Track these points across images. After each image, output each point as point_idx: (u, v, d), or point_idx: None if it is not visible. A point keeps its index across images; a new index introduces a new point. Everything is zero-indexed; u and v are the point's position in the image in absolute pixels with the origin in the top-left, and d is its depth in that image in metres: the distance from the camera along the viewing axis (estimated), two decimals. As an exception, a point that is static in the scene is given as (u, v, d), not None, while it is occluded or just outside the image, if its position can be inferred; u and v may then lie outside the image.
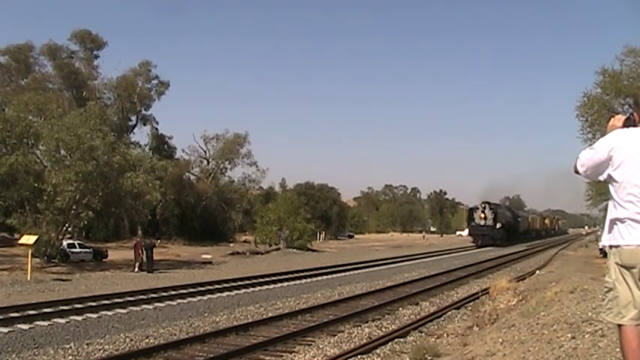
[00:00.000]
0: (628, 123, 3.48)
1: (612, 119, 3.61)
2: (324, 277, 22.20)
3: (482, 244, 50.12)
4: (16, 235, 29.96)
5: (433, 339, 10.51)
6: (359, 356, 9.07)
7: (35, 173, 27.73)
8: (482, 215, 52.84)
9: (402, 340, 10.36)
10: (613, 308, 3.36)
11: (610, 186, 3.41)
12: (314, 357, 9.12)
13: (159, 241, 31.59)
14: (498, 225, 51.93)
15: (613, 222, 3.40)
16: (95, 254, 29.78)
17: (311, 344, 9.99)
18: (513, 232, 57.70)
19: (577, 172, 3.57)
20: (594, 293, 10.58)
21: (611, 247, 3.43)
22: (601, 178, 3.46)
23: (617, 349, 5.80)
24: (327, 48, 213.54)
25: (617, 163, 3.33)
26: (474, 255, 36.19)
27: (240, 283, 19.12)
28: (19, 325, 11.01)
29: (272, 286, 18.88)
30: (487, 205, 53.75)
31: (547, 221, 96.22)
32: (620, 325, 3.34)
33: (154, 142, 54.54)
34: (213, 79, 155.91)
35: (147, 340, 10.28)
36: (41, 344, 9.71)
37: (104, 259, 29.93)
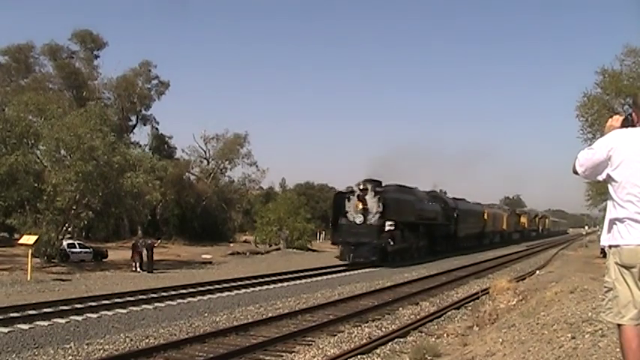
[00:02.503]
0: (626, 123, 3.50)
1: (610, 119, 3.63)
2: (324, 277, 22.21)
3: (357, 259, 26.79)
4: (16, 235, 29.96)
5: (433, 339, 10.52)
6: (359, 356, 9.08)
7: (35, 173, 27.72)
8: (360, 206, 28.19)
9: (402, 340, 10.37)
10: (613, 308, 3.37)
11: (609, 186, 3.42)
12: (314, 357, 9.12)
13: (159, 241, 31.56)
14: (389, 224, 27.68)
15: (612, 222, 3.41)
16: (95, 254, 29.76)
17: (311, 344, 9.99)
18: (442, 236, 36.54)
19: (575, 172, 3.58)
20: (594, 293, 10.59)
21: (610, 246, 3.44)
22: (600, 178, 3.47)
23: (617, 349, 5.80)
24: (328, 48, 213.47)
25: (617, 163, 3.34)
26: (473, 255, 36.16)
27: (240, 283, 19.13)
28: (19, 325, 11.02)
29: (272, 286, 18.88)
30: (370, 188, 28.57)
31: (524, 220, 69.47)
32: (619, 325, 3.34)
33: (153, 142, 54.50)
34: (213, 79, 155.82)
35: (147, 340, 10.28)
36: (41, 344, 9.72)
37: (104, 259, 29.93)
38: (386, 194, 29.11)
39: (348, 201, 29.05)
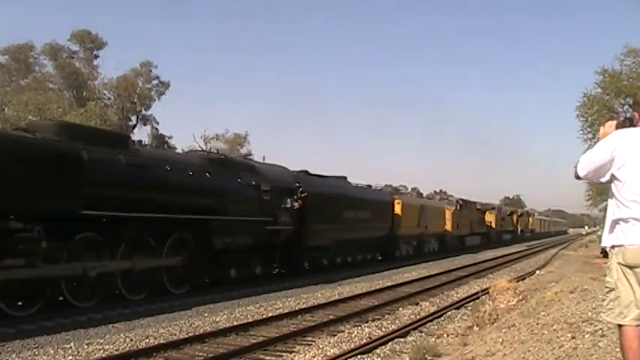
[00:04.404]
0: (625, 124, 3.52)
1: (603, 127, 3.65)
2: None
3: None
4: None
5: (433, 339, 10.52)
6: (359, 356, 9.07)
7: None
8: None
9: (402, 340, 10.36)
10: (614, 308, 3.37)
11: (613, 186, 3.42)
12: (314, 357, 9.12)
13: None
14: None
15: (616, 222, 3.40)
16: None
17: (311, 344, 9.99)
18: (255, 247, 17.73)
19: (577, 176, 3.59)
20: (594, 293, 10.61)
21: (613, 246, 3.43)
22: (603, 180, 3.47)
23: (617, 349, 5.81)
24: (329, 48, 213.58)
25: (621, 163, 3.34)
26: (473, 255, 36.18)
27: (240, 283, 19.09)
28: (19, 325, 11.00)
29: (272, 285, 18.86)
30: None
31: (490, 217, 51.15)
32: (620, 326, 3.34)
33: (153, 142, 54.50)
34: (214, 78, 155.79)
35: (147, 340, 10.27)
36: (41, 344, 9.71)
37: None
38: None
39: None
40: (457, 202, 42.13)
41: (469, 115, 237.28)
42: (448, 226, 38.99)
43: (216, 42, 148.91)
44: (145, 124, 54.80)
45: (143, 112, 53.95)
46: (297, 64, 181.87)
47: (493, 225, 51.91)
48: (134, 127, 53.81)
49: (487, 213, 50.89)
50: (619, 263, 3.35)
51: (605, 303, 3.48)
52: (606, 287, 3.51)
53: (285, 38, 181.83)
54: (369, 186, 28.98)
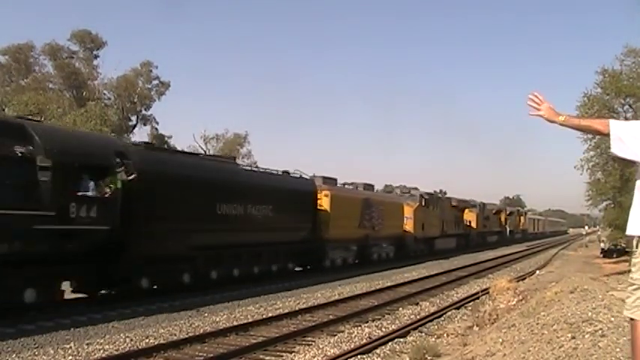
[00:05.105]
0: None
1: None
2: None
3: None
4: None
5: (433, 339, 10.53)
6: (359, 356, 9.09)
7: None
8: None
9: (402, 340, 10.38)
10: None
11: None
12: (314, 357, 9.14)
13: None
14: None
15: None
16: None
17: (311, 344, 10.01)
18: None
19: (607, 134, 3.39)
20: (594, 293, 10.62)
21: None
22: (636, 157, 3.29)
23: (618, 349, 5.83)
24: (330, 47, 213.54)
25: None
26: (473, 255, 36.17)
27: (240, 283, 19.10)
28: (19, 325, 11.00)
29: (272, 286, 18.86)
30: None
31: (470, 216, 44.53)
32: (632, 320, 3.24)
33: (153, 142, 54.58)
34: (214, 78, 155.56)
35: (147, 340, 10.28)
36: (41, 344, 9.72)
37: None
38: None
39: None
40: (421, 196, 33.86)
41: (469, 116, 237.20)
42: (409, 227, 31.25)
43: (216, 42, 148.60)
44: (145, 124, 54.81)
45: (143, 112, 54.01)
46: (298, 65, 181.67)
47: (474, 225, 44.62)
48: (134, 127, 53.83)
49: (466, 211, 43.42)
50: None
51: (631, 301, 3.30)
52: (633, 284, 3.33)
53: (285, 38, 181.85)
54: (287, 172, 22.23)
